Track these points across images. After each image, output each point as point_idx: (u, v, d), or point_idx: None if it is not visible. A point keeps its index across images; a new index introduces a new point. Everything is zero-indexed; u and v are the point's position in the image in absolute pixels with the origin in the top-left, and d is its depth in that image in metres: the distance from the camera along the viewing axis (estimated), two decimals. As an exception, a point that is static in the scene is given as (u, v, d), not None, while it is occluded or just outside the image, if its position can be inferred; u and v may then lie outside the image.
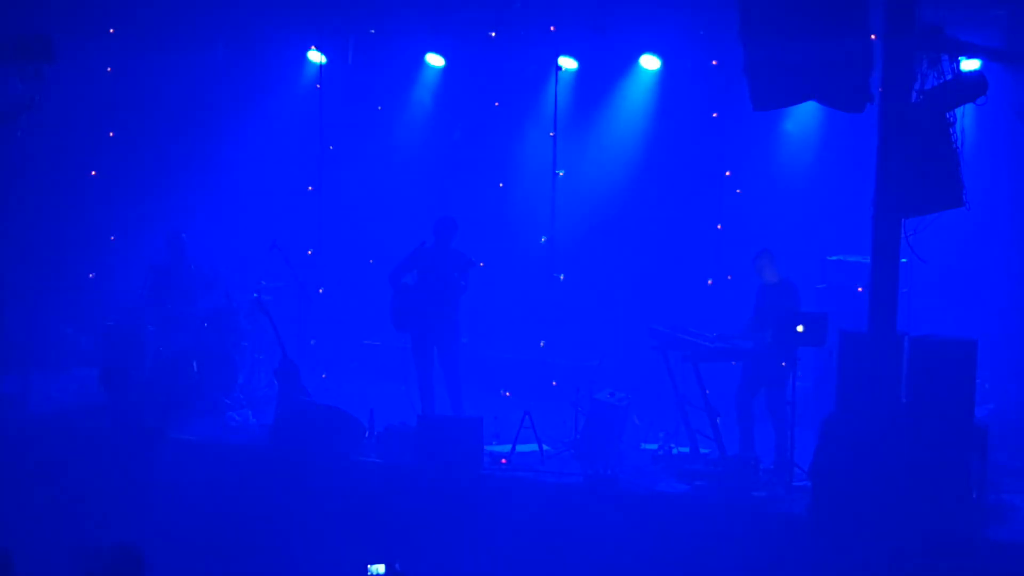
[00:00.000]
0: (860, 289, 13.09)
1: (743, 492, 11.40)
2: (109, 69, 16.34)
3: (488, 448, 12.43)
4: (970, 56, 11.01)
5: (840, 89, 10.30)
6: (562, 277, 15.66)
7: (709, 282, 14.96)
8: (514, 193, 16.04)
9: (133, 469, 12.64)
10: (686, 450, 12.53)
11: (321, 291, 16.27)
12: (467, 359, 13.57)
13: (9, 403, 13.69)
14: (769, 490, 11.49)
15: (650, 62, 15.17)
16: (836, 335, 11.16)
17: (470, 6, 15.12)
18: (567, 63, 15.38)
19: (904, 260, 11.18)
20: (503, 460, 12.27)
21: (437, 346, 13.23)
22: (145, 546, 11.53)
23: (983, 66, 11.08)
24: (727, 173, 14.96)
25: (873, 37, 10.50)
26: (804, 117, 14.28)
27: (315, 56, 16.15)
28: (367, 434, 12.74)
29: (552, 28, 14.98)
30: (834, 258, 13.94)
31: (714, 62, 14.57)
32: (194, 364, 13.91)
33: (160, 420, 13.04)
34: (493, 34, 15.29)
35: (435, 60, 16.09)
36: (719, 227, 14.95)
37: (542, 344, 15.62)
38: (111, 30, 16.10)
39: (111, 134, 16.53)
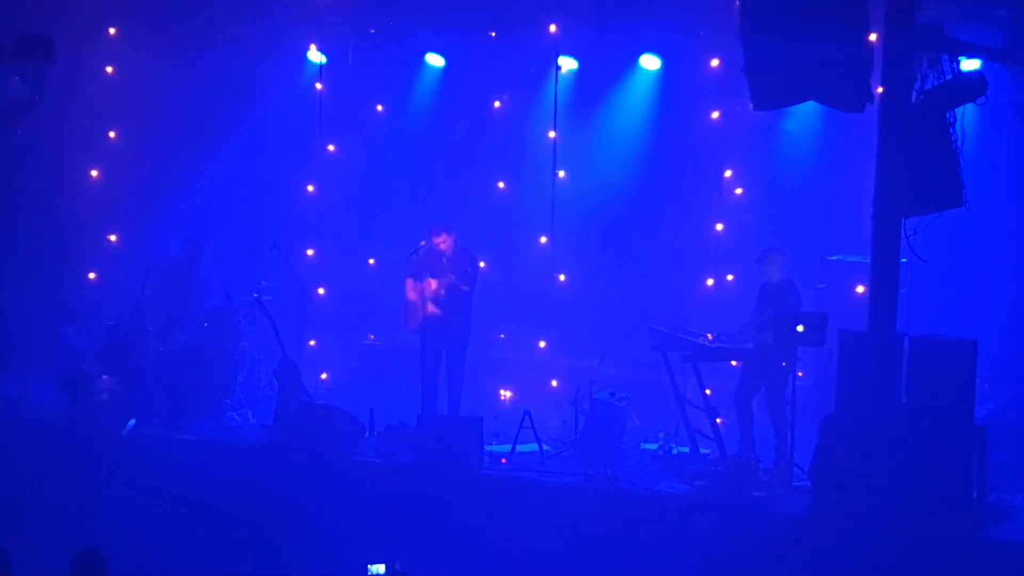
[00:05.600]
0: (860, 289, 13.08)
1: (743, 492, 11.40)
2: (109, 69, 16.33)
3: (488, 448, 12.44)
4: (970, 56, 11.00)
5: (840, 89, 10.30)
6: (562, 277, 15.65)
7: (709, 282, 14.95)
8: (514, 193, 16.04)
9: (134, 469, 12.64)
10: (686, 450, 12.53)
11: (321, 291, 16.27)
12: (468, 359, 13.56)
13: (9, 403, 13.67)
14: (769, 490, 11.49)
15: (650, 62, 15.16)
16: (836, 335, 11.17)
17: (470, 6, 15.11)
18: (567, 63, 15.38)
19: (904, 260, 11.18)
20: (503, 460, 12.27)
21: (446, 348, 13.23)
22: (145, 545, 11.64)
23: (983, 66, 11.08)
24: (727, 173, 14.95)
25: (873, 37, 10.51)
26: (804, 117, 14.26)
27: (315, 56, 16.14)
28: (367, 434, 12.75)
29: (552, 28, 14.98)
30: (834, 258, 13.94)
31: (714, 62, 14.56)
32: (191, 365, 13.91)
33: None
34: (493, 34, 15.29)
35: (435, 60, 16.08)
36: (719, 227, 14.94)
37: (542, 344, 15.62)
38: (111, 30, 16.10)
39: (111, 134, 16.53)
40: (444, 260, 13.17)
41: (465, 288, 13.08)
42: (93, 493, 12.27)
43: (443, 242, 13.14)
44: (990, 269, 13.79)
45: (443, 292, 13.04)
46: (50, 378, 13.22)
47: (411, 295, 13.27)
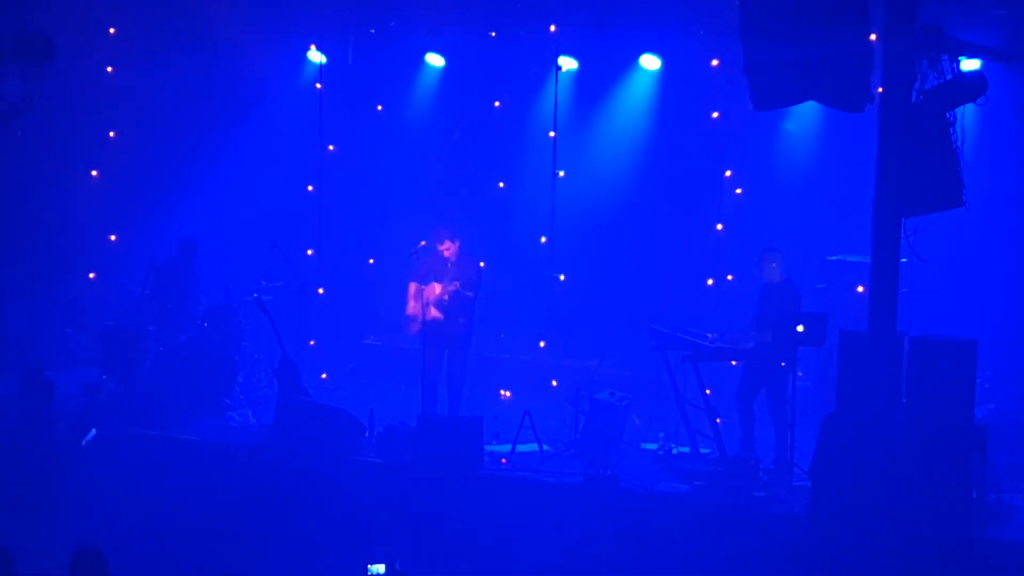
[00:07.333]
0: (860, 289, 13.09)
1: (743, 492, 11.41)
2: (109, 69, 16.34)
3: (488, 448, 12.44)
4: (970, 56, 11.01)
5: (840, 89, 10.31)
6: (562, 277, 15.66)
7: (709, 282, 14.96)
8: (514, 193, 16.04)
9: (134, 469, 12.64)
10: (686, 450, 12.53)
11: (321, 291, 16.27)
12: (468, 362, 13.58)
13: (9, 403, 13.66)
14: (769, 490, 11.49)
15: (650, 62, 15.16)
16: (836, 335, 11.17)
17: (470, 6, 15.11)
18: (567, 63, 15.38)
19: (904, 260, 11.19)
20: (503, 460, 12.28)
21: (448, 351, 13.24)
22: (145, 545, 11.64)
23: (983, 66, 11.08)
24: (727, 173, 14.96)
25: (873, 37, 10.52)
26: (804, 117, 14.27)
27: (315, 56, 16.15)
28: (367, 434, 12.75)
29: (552, 28, 14.98)
30: (834, 258, 13.94)
31: (714, 62, 14.56)
32: (191, 365, 13.91)
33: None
34: (493, 34, 15.29)
35: (435, 60, 16.09)
36: (719, 227, 14.95)
37: (542, 344, 15.62)
38: (111, 30, 16.10)
39: (111, 134, 16.53)
40: (449, 265, 13.15)
41: (469, 294, 13.08)
42: (105, 492, 12.28)
43: (447, 249, 13.12)
44: (990, 269, 13.79)
45: (446, 297, 13.03)
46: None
47: (412, 301, 13.24)
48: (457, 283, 12.98)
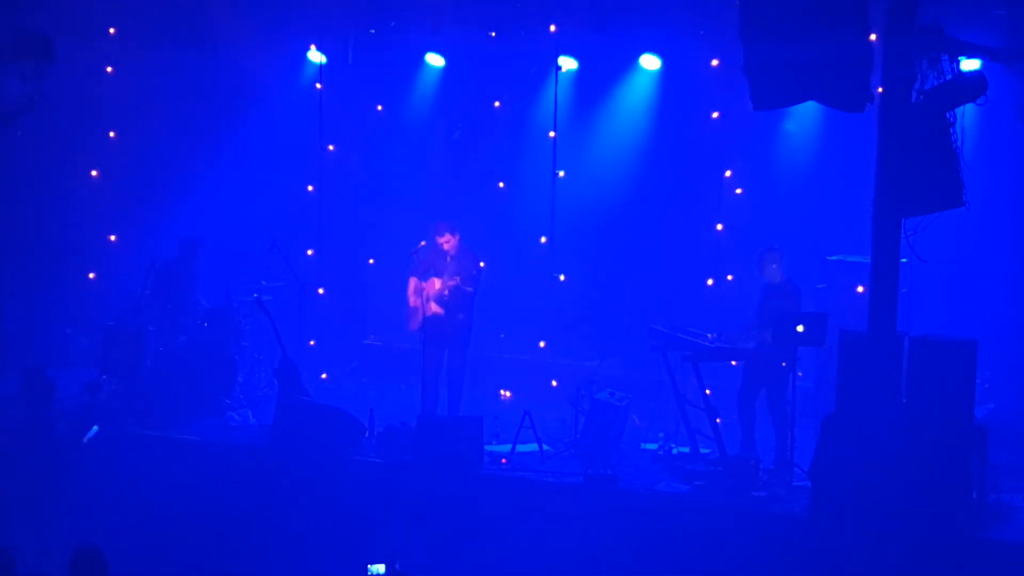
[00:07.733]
0: (860, 289, 13.09)
1: (743, 492, 11.41)
2: (109, 69, 16.34)
3: (488, 448, 12.44)
4: (970, 56, 11.01)
5: (840, 89, 10.31)
6: (562, 277, 15.66)
7: (709, 282, 14.96)
8: (514, 193, 16.04)
9: (134, 469, 12.64)
10: (686, 450, 12.54)
11: (321, 291, 16.27)
12: (468, 360, 13.59)
13: (9, 403, 13.66)
14: (769, 490, 11.49)
15: (650, 62, 15.16)
16: (836, 335, 11.17)
17: (470, 6, 15.12)
18: (567, 63, 15.38)
19: (904, 260, 11.19)
20: (503, 460, 12.28)
21: (448, 348, 13.25)
22: (145, 545, 11.64)
23: (983, 66, 11.08)
24: (727, 173, 14.96)
25: (873, 37, 10.52)
26: (804, 117, 14.28)
27: (315, 56, 16.15)
28: (367, 434, 12.75)
29: (552, 28, 14.98)
30: (834, 258, 13.94)
31: (714, 62, 14.56)
32: (191, 365, 13.91)
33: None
34: (493, 34, 15.29)
35: (435, 60, 16.09)
36: (719, 227, 14.95)
37: (542, 344, 15.62)
38: (111, 30, 16.10)
39: (111, 134, 16.53)
40: (448, 259, 13.19)
41: (469, 289, 13.10)
42: (105, 492, 12.28)
43: (447, 242, 13.16)
44: (990, 269, 13.80)
45: (446, 292, 13.05)
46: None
47: (412, 297, 13.28)
48: (457, 278, 13.00)
